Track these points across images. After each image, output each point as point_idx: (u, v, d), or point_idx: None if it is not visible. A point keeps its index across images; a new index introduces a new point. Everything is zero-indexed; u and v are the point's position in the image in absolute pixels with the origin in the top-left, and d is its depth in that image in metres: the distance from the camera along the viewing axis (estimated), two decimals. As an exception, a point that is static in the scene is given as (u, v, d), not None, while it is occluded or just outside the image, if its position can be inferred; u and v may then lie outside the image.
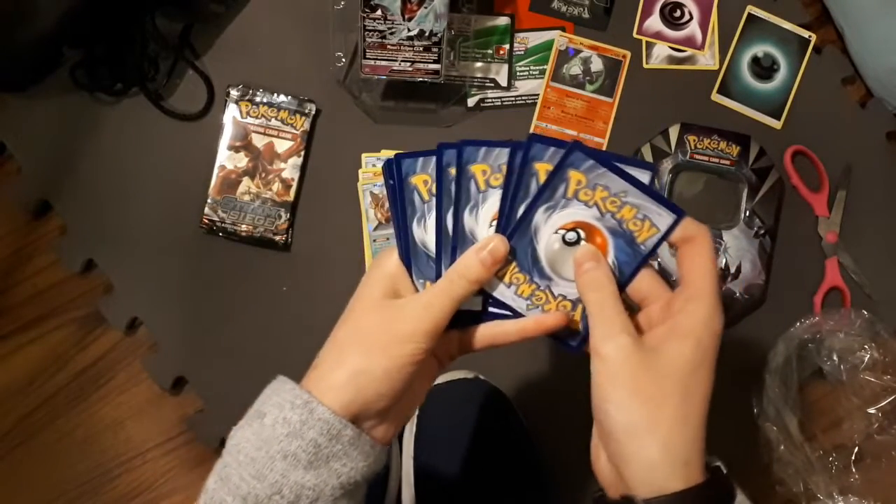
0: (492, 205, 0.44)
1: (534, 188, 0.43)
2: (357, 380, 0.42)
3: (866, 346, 0.76)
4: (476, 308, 0.45)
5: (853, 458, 0.75)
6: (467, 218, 0.44)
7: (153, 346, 0.76)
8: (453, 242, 0.44)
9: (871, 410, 0.76)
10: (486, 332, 0.46)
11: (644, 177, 0.43)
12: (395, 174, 0.44)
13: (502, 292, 0.45)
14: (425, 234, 0.44)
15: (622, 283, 0.44)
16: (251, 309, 0.75)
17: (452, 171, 0.44)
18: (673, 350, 0.41)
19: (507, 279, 0.45)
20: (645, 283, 0.45)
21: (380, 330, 0.43)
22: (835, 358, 0.76)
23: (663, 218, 0.43)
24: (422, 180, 0.44)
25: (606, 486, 0.44)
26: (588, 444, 0.45)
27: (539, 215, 0.43)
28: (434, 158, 0.44)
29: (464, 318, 0.45)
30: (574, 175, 0.43)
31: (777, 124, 0.79)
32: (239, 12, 0.77)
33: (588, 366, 0.42)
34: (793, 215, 0.78)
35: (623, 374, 0.40)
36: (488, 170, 0.44)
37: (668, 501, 0.39)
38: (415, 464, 0.67)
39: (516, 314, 0.45)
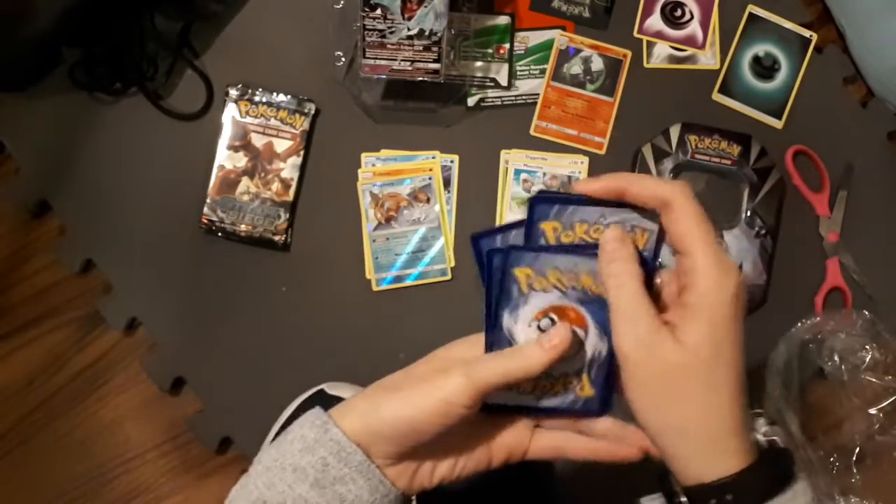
0: (532, 307, 0.44)
1: (515, 293, 0.43)
2: (377, 410, 0.42)
3: (867, 347, 0.76)
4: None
5: (854, 458, 0.75)
6: (507, 318, 0.44)
7: (152, 347, 0.76)
8: (490, 340, 0.44)
9: (873, 411, 0.76)
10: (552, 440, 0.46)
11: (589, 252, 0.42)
12: (501, 261, 0.44)
13: (510, 398, 0.45)
14: (514, 324, 0.44)
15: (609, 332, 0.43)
16: (251, 309, 0.75)
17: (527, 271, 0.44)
18: (689, 334, 0.39)
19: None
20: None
21: (421, 377, 0.43)
22: (836, 358, 0.76)
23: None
24: (524, 273, 0.44)
25: None
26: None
27: (507, 319, 0.44)
28: (542, 255, 0.43)
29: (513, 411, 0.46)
30: (520, 272, 0.43)
31: (778, 124, 0.79)
32: (238, 11, 0.76)
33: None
34: (794, 215, 0.78)
35: (643, 374, 0.40)
36: (532, 273, 0.43)
37: (704, 490, 0.39)
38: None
39: (534, 410, 0.45)
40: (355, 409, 0.43)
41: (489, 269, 0.43)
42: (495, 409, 0.45)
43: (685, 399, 0.39)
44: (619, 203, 0.42)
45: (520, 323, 0.43)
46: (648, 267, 0.42)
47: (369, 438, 0.42)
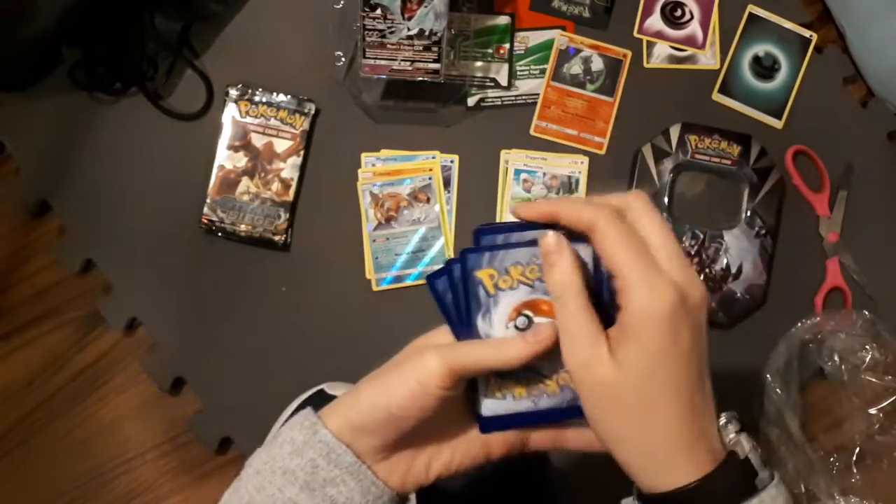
0: (504, 307, 0.43)
1: (483, 296, 0.43)
2: (357, 402, 0.42)
3: (867, 347, 0.76)
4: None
5: (854, 458, 0.75)
6: (481, 323, 0.43)
7: (152, 347, 0.76)
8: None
9: (873, 411, 0.76)
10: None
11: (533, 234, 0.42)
12: (460, 270, 0.44)
13: (504, 407, 0.44)
14: (490, 328, 0.44)
15: None
16: (250, 309, 0.75)
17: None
18: (622, 353, 0.39)
19: (497, 395, 0.44)
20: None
21: (397, 363, 0.43)
22: (836, 358, 0.76)
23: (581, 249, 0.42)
24: (487, 274, 0.43)
25: None
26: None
27: (481, 325, 0.43)
28: (500, 253, 0.43)
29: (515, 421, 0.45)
30: (482, 274, 0.43)
31: (778, 124, 0.79)
32: (238, 11, 0.76)
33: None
34: (794, 215, 0.78)
35: (587, 389, 0.40)
36: (495, 274, 0.43)
37: (656, 500, 0.39)
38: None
39: (533, 416, 0.44)
40: (339, 407, 0.43)
41: (450, 281, 0.43)
42: (494, 426, 0.45)
43: (624, 415, 0.39)
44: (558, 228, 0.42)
45: (496, 326, 0.43)
46: (595, 277, 0.42)
47: (352, 434, 0.41)
